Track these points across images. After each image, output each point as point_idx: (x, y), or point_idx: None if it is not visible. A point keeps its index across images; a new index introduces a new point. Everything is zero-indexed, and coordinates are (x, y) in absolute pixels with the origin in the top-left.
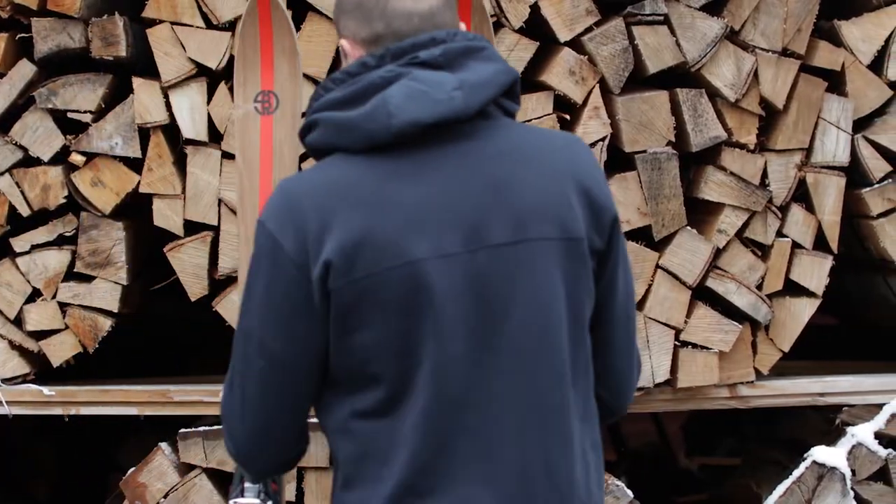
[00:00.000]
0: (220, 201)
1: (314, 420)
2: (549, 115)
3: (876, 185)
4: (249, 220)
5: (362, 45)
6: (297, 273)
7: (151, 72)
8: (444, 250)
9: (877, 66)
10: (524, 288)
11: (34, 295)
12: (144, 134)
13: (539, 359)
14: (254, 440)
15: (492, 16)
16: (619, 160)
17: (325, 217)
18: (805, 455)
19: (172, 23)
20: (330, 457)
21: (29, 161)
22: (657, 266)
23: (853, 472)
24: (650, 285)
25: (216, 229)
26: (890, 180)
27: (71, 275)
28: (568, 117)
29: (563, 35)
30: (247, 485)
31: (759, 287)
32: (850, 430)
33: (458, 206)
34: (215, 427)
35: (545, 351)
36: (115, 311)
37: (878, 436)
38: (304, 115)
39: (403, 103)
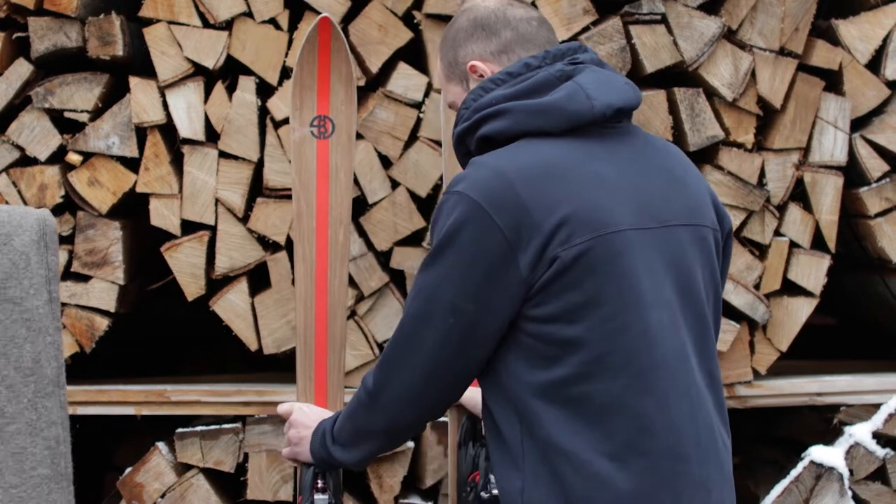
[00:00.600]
0: (216, 201)
1: None
2: None
3: (874, 185)
4: (307, 241)
5: (493, 59)
6: (506, 244)
7: (148, 71)
8: (641, 224)
9: (874, 65)
10: (700, 265)
11: None
12: (141, 133)
13: (707, 330)
14: (422, 409)
15: None
16: None
17: (537, 191)
18: (803, 455)
19: (169, 22)
20: (472, 431)
21: (26, 160)
22: None
23: (851, 471)
24: None
25: (213, 229)
26: (888, 179)
27: (68, 274)
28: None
29: (561, 34)
30: (317, 497)
31: (757, 286)
32: (847, 429)
33: (644, 187)
34: (213, 427)
35: (709, 322)
36: (112, 310)
37: (876, 435)
38: (458, 121)
39: (597, 89)
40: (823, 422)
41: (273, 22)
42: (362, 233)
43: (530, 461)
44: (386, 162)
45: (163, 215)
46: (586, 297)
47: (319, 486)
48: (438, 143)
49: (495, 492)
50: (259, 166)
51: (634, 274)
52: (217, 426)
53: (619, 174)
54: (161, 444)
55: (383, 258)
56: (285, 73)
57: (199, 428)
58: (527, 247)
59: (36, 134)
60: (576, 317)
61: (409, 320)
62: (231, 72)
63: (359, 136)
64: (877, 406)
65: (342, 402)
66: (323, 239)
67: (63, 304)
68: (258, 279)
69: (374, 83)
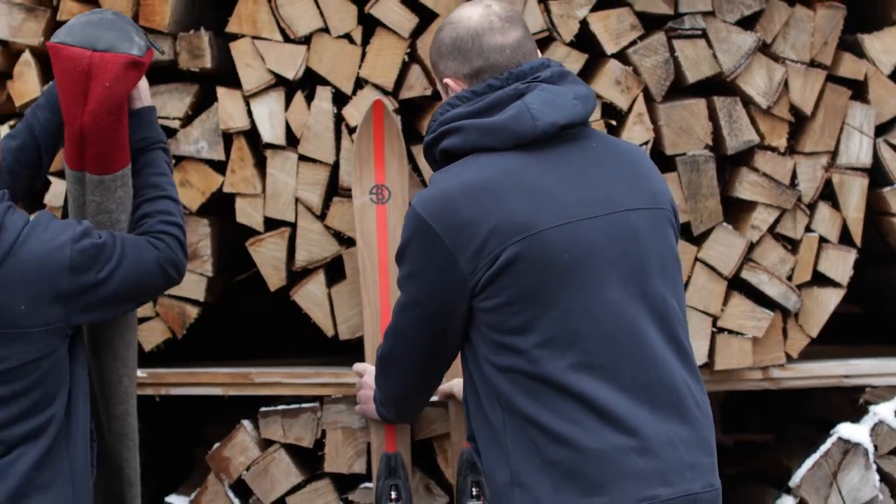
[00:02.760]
0: (296, 200)
1: None
2: (597, 121)
3: None
4: (371, 291)
5: (465, 80)
6: (448, 251)
7: (234, 82)
8: (585, 214)
9: None
10: (654, 242)
11: None
12: (227, 139)
13: (664, 301)
14: (416, 376)
15: (545, 31)
16: (661, 162)
17: (475, 205)
18: (831, 432)
19: (253, 37)
20: (471, 462)
21: None
22: (696, 259)
23: (875, 447)
24: (689, 276)
25: (293, 225)
26: None
27: None
28: (614, 123)
29: (610, 48)
30: (394, 494)
31: (790, 278)
32: (872, 408)
33: (592, 182)
34: (293, 406)
35: (666, 294)
36: (202, 300)
37: None
38: (427, 131)
39: (542, 108)
40: (850, 402)
41: (348, 37)
42: None
43: (511, 435)
44: None
45: (247, 213)
46: (525, 289)
47: (393, 496)
48: None
49: None
50: (335, 168)
51: (574, 262)
52: (297, 405)
53: (563, 178)
54: (246, 422)
55: None
56: (359, 83)
57: (280, 407)
58: (466, 252)
59: None
60: (519, 308)
61: (395, 308)
62: (309, 82)
63: None
64: None
65: None
66: (385, 288)
67: None
68: (334, 271)
69: (439, 93)
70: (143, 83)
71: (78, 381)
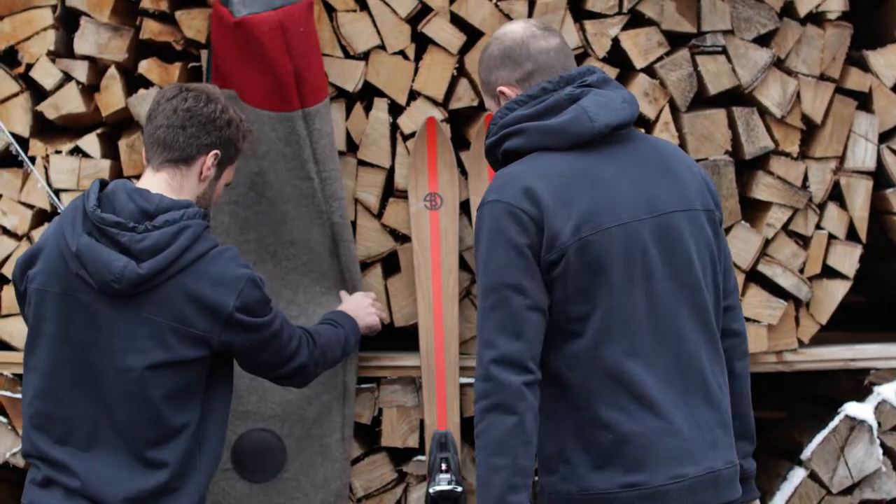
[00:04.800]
0: (356, 200)
1: None
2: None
3: None
4: (425, 286)
5: (517, 85)
6: (533, 234)
7: None
8: (638, 216)
9: None
10: (694, 242)
11: None
12: None
13: (702, 296)
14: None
15: (580, 47)
16: None
17: (552, 193)
18: (839, 410)
19: None
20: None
21: None
22: None
23: (879, 424)
24: None
25: (353, 224)
26: None
27: None
28: (643, 131)
29: (639, 63)
30: (441, 476)
31: (801, 271)
32: (876, 389)
33: (641, 183)
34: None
35: (704, 289)
36: None
37: None
38: (488, 134)
39: (597, 111)
40: (856, 383)
41: (402, 53)
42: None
43: (562, 413)
44: None
45: None
46: (588, 279)
47: (443, 468)
48: None
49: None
50: (390, 172)
51: (630, 259)
52: (357, 385)
53: (616, 176)
54: None
55: None
56: (412, 95)
57: None
58: (544, 237)
59: None
60: (583, 297)
61: (481, 300)
62: (367, 94)
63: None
64: None
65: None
66: (437, 285)
67: None
68: (390, 265)
69: (485, 104)
70: None
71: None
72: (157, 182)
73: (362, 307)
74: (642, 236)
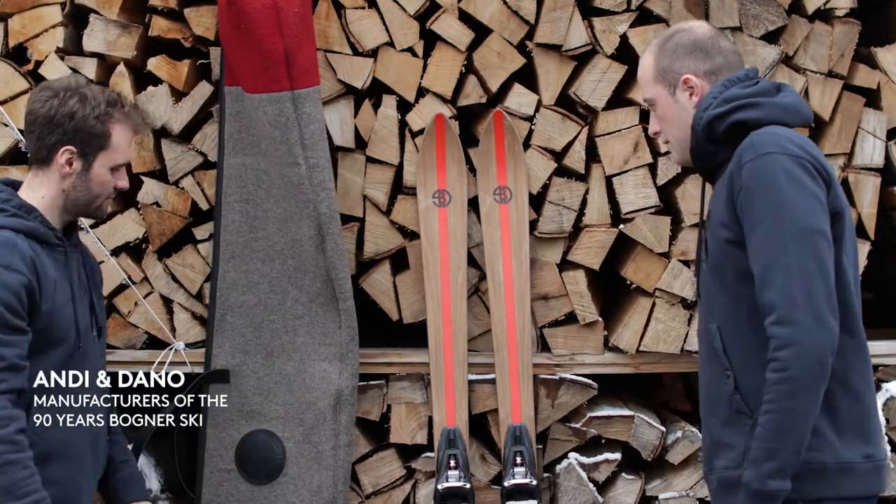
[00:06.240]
0: (364, 197)
1: None
2: (635, 125)
3: None
4: (434, 282)
5: (704, 76)
6: (824, 183)
7: None
8: None
9: None
10: None
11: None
12: None
13: None
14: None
15: (588, 44)
16: None
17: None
18: None
19: (325, 51)
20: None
21: (207, 164)
22: None
23: (887, 420)
24: None
25: (361, 220)
26: None
27: None
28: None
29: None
30: (450, 472)
31: None
32: (884, 385)
33: None
34: (361, 383)
35: None
36: None
37: None
38: (707, 108)
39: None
40: None
41: (410, 50)
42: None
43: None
44: None
45: None
46: (841, 246)
47: (452, 465)
48: (546, 150)
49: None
50: (399, 169)
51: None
52: (365, 382)
53: None
54: None
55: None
56: (420, 92)
57: None
58: (829, 192)
59: (216, 143)
60: (844, 264)
61: (792, 237)
62: (376, 91)
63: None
64: None
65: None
66: (446, 281)
67: None
68: (398, 262)
69: (493, 101)
70: None
71: None
72: (25, 182)
73: None
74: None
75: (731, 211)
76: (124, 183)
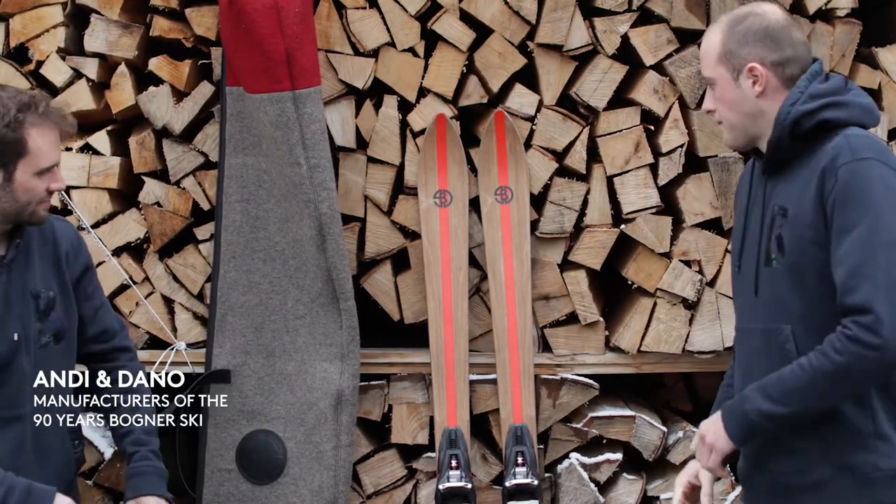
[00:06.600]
0: (365, 197)
1: None
2: (636, 126)
3: None
4: (435, 282)
5: (771, 66)
6: None
7: None
8: None
9: None
10: None
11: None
12: None
13: None
14: None
15: (589, 44)
16: (694, 163)
17: None
18: None
19: (326, 51)
20: None
21: (208, 165)
22: (726, 250)
23: None
24: (720, 266)
25: (363, 220)
26: None
27: None
28: (652, 128)
29: (649, 60)
30: (451, 472)
31: None
32: None
33: None
34: (363, 383)
35: None
36: None
37: None
38: (796, 102)
39: None
40: None
41: (412, 50)
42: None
43: (876, 394)
44: None
45: None
46: None
47: (453, 465)
48: (547, 150)
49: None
50: (400, 169)
51: None
52: (366, 383)
53: None
54: None
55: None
56: (422, 92)
57: None
58: None
59: (216, 143)
60: None
61: (877, 252)
62: (377, 91)
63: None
64: None
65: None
66: (447, 281)
67: None
68: (399, 262)
69: (494, 101)
70: None
71: None
72: None
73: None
74: None
75: (819, 211)
76: (57, 184)
